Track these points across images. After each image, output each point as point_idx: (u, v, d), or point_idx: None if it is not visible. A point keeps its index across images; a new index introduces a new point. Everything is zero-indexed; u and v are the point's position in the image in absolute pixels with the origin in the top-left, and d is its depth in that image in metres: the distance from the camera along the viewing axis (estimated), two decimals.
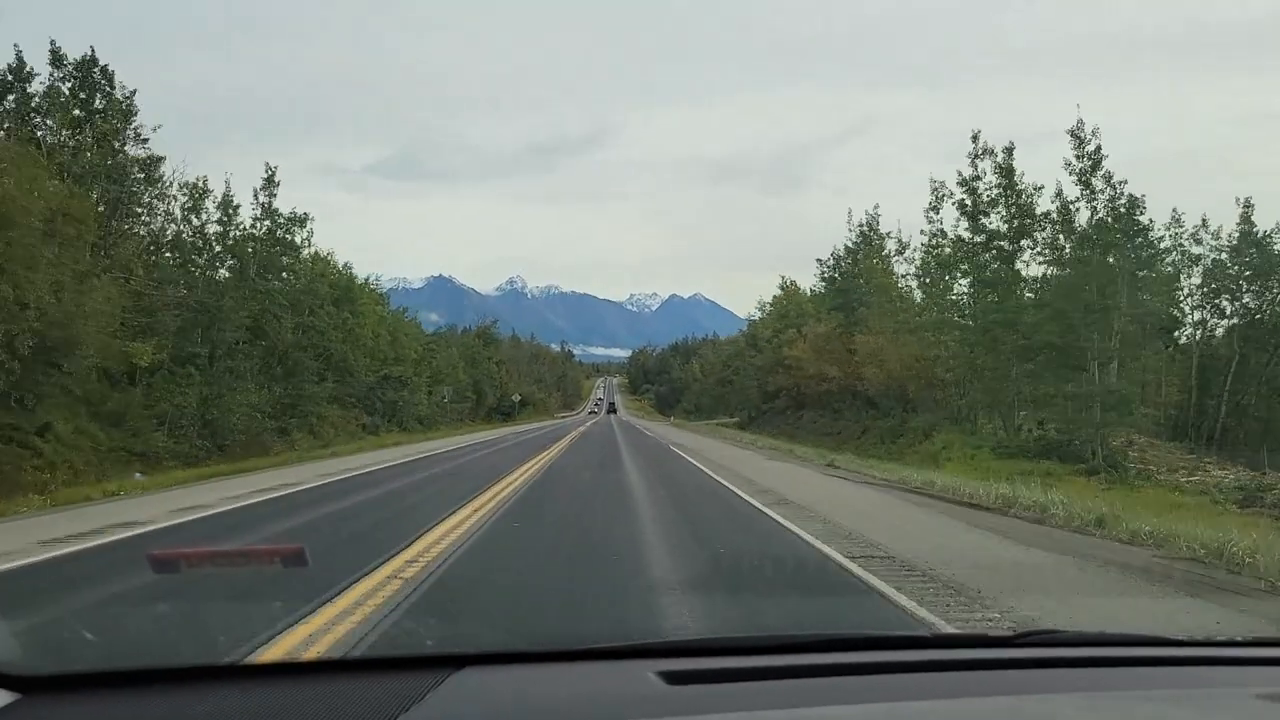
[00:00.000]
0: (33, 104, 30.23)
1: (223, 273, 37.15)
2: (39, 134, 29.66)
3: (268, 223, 42.67)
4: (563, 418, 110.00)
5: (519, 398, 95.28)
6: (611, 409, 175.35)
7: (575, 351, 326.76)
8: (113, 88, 31.59)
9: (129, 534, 11.28)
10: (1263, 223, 38.83)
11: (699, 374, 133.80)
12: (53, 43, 30.84)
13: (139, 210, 33.46)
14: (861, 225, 50.74)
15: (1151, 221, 33.91)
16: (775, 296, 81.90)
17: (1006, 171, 32.12)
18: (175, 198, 35.09)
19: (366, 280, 64.73)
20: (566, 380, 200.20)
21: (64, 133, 30.30)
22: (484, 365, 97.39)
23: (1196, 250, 38.86)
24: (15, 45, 35.59)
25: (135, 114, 32.00)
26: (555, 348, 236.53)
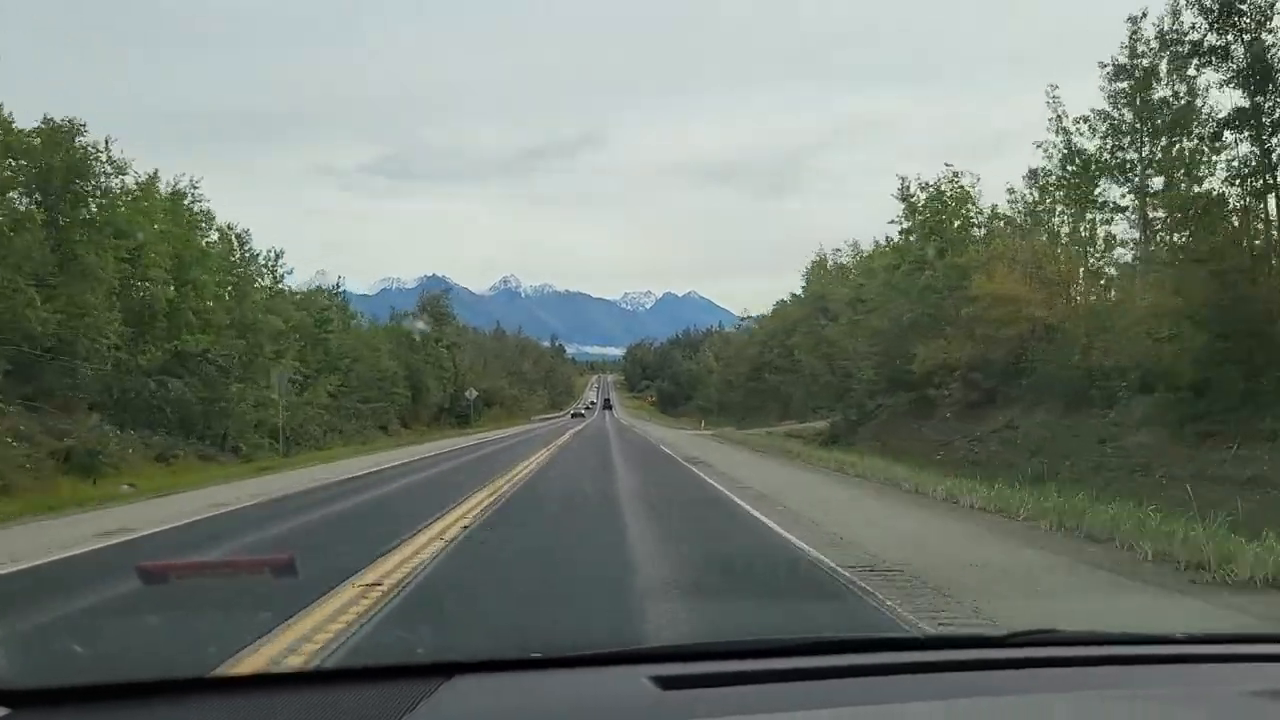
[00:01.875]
0: None
1: None
2: None
3: None
4: (540, 422, 79.49)
5: (475, 394, 65.12)
6: (607, 405, 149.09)
7: (569, 351, 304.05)
8: None
9: None
10: None
11: (714, 365, 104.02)
12: None
13: None
14: None
15: None
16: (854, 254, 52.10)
17: None
18: None
19: (160, 180, 34.39)
20: (555, 376, 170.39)
21: None
22: (427, 350, 67.22)
23: None
24: None
25: None
26: (545, 344, 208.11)
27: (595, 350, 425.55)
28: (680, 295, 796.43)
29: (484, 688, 1.90)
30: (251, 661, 4.86)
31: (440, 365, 68.57)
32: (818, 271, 73.04)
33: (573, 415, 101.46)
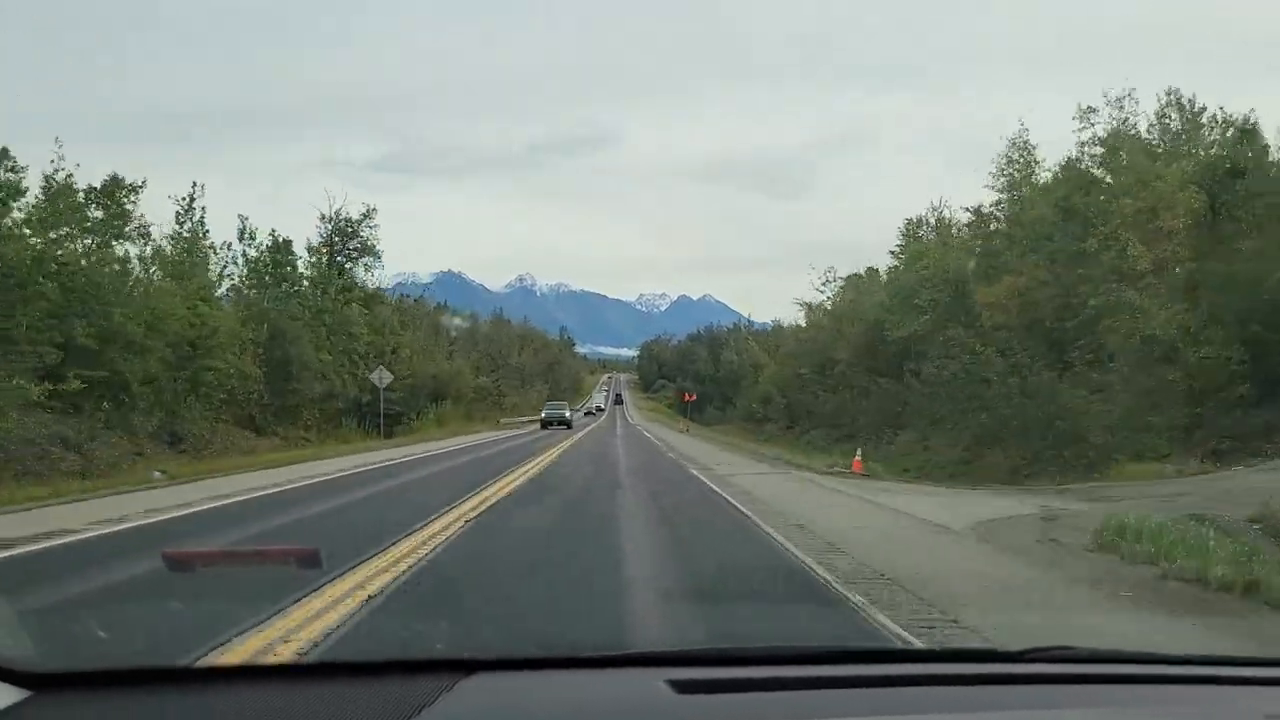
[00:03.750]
0: None
1: None
2: None
3: None
4: (505, 430, 49.74)
5: (387, 380, 35.95)
6: (619, 401, 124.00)
7: (582, 350, 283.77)
8: None
9: None
10: None
11: (764, 360, 75.69)
12: None
13: None
14: None
15: None
16: None
17: None
18: None
19: None
20: (559, 370, 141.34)
21: None
22: (322, 305, 38.66)
23: None
24: None
25: None
26: (554, 336, 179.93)
27: (609, 350, 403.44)
28: (695, 298, 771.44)
29: (500, 685, 1.84)
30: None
31: (347, 332, 39.90)
32: (907, 237, 46.21)
33: (545, 423, 50.45)
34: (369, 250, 43.13)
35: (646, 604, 6.52)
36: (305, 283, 38.66)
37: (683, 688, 1.77)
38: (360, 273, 43.55)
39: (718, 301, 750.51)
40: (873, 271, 54.91)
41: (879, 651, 2.37)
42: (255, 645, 4.72)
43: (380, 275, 44.85)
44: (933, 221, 52.55)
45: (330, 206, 42.68)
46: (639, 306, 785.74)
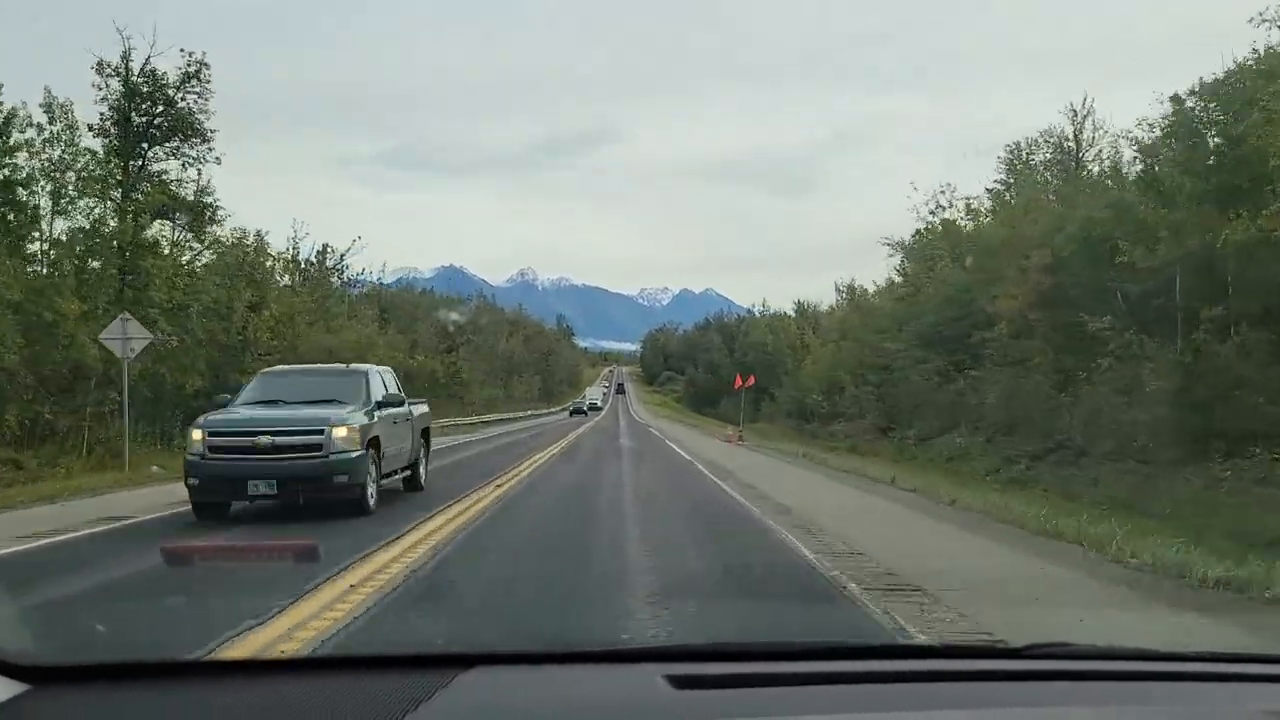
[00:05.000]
0: None
1: None
2: None
3: None
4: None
5: (136, 344, 17.54)
6: (620, 390, 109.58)
7: (585, 344, 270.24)
8: None
9: None
10: None
11: (811, 340, 57.68)
12: None
13: None
14: None
15: None
16: None
17: None
18: None
19: None
20: (554, 361, 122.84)
21: None
22: (75, 217, 19.74)
23: None
24: None
25: None
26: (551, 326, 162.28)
27: (612, 345, 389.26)
28: (698, 292, 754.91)
29: (499, 680, 1.80)
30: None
31: (120, 264, 21.29)
32: (1012, 167, 31.22)
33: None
34: (192, 129, 24.34)
35: None
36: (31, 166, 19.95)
37: (681, 683, 1.71)
38: (179, 171, 24.76)
39: (720, 295, 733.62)
40: (951, 225, 38.06)
41: (878, 648, 2.28)
42: None
43: (211, 172, 25.77)
44: (1070, 133, 36.82)
45: (124, 47, 23.71)
46: (641, 300, 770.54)
